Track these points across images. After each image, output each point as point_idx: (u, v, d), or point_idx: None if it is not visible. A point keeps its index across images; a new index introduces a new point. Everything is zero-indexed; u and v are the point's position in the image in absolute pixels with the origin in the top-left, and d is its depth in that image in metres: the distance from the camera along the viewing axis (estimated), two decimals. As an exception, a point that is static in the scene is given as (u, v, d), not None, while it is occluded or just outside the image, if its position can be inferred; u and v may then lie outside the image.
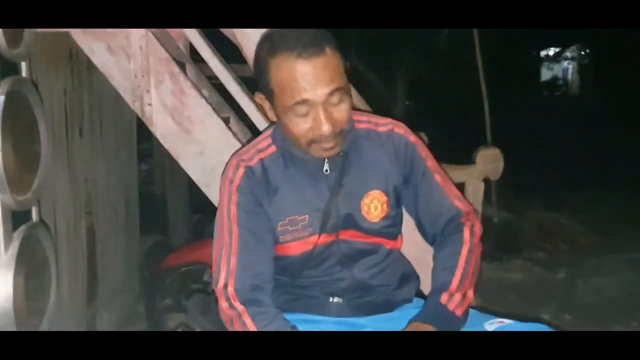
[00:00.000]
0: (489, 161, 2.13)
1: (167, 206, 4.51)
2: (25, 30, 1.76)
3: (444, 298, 1.37)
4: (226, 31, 2.41)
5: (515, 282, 4.59)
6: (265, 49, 1.34)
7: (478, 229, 1.50)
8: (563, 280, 4.61)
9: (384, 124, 1.51)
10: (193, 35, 2.02)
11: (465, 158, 2.45)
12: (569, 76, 19.24)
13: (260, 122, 2.04)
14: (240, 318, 1.32)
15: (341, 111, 1.32)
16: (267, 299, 1.37)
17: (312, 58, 1.27)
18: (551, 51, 17.49)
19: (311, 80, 1.27)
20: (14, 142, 1.56)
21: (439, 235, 1.50)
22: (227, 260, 1.37)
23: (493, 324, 1.40)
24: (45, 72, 2.37)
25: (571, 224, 6.01)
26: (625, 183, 7.37)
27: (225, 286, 1.36)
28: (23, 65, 1.82)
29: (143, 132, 3.48)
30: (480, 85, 5.53)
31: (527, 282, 4.58)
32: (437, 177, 1.50)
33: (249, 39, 1.97)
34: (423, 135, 3.26)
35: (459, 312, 1.38)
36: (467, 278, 1.41)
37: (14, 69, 1.79)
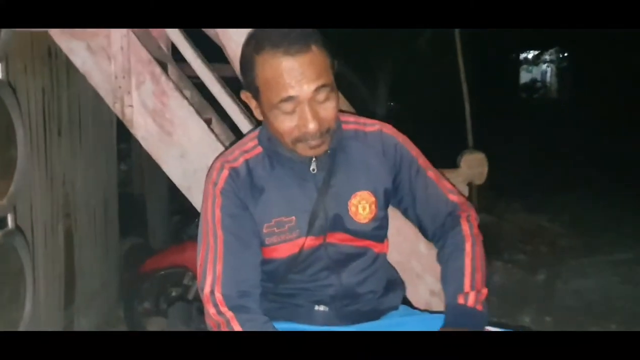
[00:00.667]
0: (474, 165, 2.13)
1: (146, 208, 4.44)
2: (2, 29, 1.71)
3: (461, 299, 1.38)
4: (209, 31, 2.37)
5: (496, 285, 4.60)
6: (252, 46, 1.31)
7: (474, 218, 1.51)
8: (543, 282, 4.65)
9: (372, 125, 1.49)
10: (175, 35, 1.98)
11: (446, 159, 2.43)
12: (549, 78, 19.44)
13: (242, 124, 2.02)
14: (229, 324, 1.29)
15: (328, 109, 1.30)
16: (255, 306, 1.34)
17: (298, 54, 1.25)
18: (530, 54, 17.66)
19: (297, 76, 1.25)
20: None
21: (439, 230, 1.50)
22: (212, 266, 1.34)
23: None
24: (22, 71, 2.32)
25: (552, 226, 6.06)
26: (605, 185, 7.47)
27: (212, 292, 1.32)
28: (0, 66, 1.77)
29: (122, 133, 3.42)
30: (462, 86, 5.55)
31: (508, 285, 4.61)
32: (431, 174, 1.50)
33: (231, 39, 1.94)
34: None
35: (479, 307, 1.38)
36: (477, 273, 1.41)
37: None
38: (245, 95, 1.39)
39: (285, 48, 1.25)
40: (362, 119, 1.52)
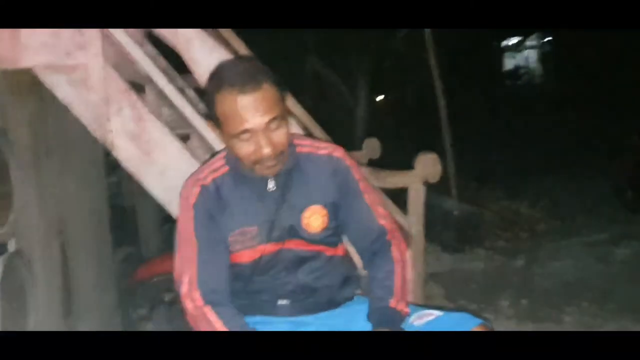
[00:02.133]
0: (428, 165, 2.32)
1: (137, 218, 4.59)
2: None
3: (392, 303, 1.57)
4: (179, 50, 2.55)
5: (477, 271, 4.80)
6: (212, 84, 1.53)
7: (404, 247, 1.71)
8: (522, 266, 4.84)
9: (325, 148, 1.70)
10: (148, 65, 2.16)
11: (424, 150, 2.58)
12: (529, 65, 19.55)
13: (215, 141, 2.20)
14: (205, 316, 1.50)
15: (280, 135, 1.50)
16: (226, 300, 1.56)
17: (251, 92, 1.44)
18: (512, 40, 17.76)
19: (251, 111, 1.45)
20: None
21: (367, 251, 1.69)
22: (188, 268, 1.55)
23: (422, 317, 1.58)
24: (11, 103, 2.48)
25: (531, 212, 6.24)
26: (583, 169, 7.66)
27: (189, 290, 1.53)
28: None
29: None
30: (435, 82, 5.74)
31: (488, 271, 4.80)
32: (367, 198, 1.69)
33: (200, 64, 2.13)
34: (375, 140, 3.46)
35: (404, 312, 1.59)
36: (405, 294, 1.62)
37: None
38: (209, 124, 1.62)
39: (240, 87, 1.45)
40: (317, 143, 1.73)
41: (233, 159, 1.60)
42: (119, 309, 3.54)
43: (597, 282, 4.28)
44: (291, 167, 1.61)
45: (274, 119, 1.47)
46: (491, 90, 12.62)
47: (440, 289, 4.36)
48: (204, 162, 1.77)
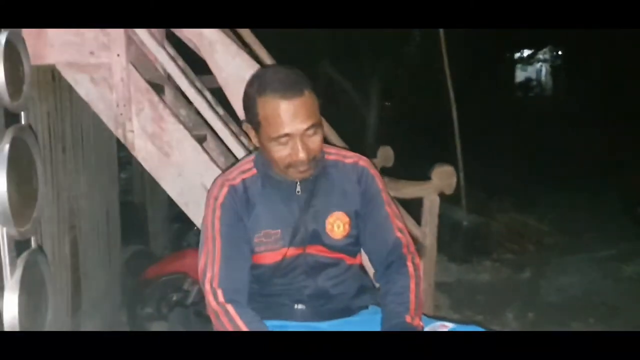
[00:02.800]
0: (444, 177, 2.33)
1: (147, 216, 4.62)
2: (25, 84, 1.92)
3: (408, 318, 1.57)
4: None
5: (484, 283, 4.80)
6: (254, 87, 1.56)
7: (418, 262, 1.71)
8: (528, 280, 4.83)
9: (351, 157, 1.74)
10: (170, 66, 2.18)
11: (438, 161, 2.59)
12: (542, 78, 19.55)
13: (231, 144, 2.22)
14: (227, 313, 1.52)
15: (315, 142, 1.55)
16: (245, 301, 1.59)
17: (293, 98, 1.49)
18: (524, 53, 17.76)
19: (292, 117, 1.50)
20: (16, 182, 1.74)
21: (382, 263, 1.70)
22: (212, 266, 1.58)
23: (435, 328, 1.59)
24: (31, 100, 2.50)
25: (539, 225, 6.22)
26: (593, 184, 7.63)
27: (212, 286, 1.56)
28: (22, 113, 1.98)
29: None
30: (449, 92, 5.75)
31: (495, 283, 4.80)
32: (387, 209, 1.71)
33: (222, 70, 2.16)
34: (389, 149, 3.47)
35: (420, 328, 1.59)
36: (419, 308, 1.62)
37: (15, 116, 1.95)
38: (246, 127, 1.64)
39: (282, 93, 1.50)
40: (343, 152, 1.77)
41: (262, 163, 1.65)
42: (126, 306, 3.56)
43: (604, 299, 4.27)
44: (318, 174, 1.65)
45: (312, 125, 1.52)
46: (502, 102, 12.61)
47: (446, 299, 4.36)
48: (231, 165, 1.80)
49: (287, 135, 1.51)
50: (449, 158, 5.49)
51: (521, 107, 14.28)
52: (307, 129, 1.51)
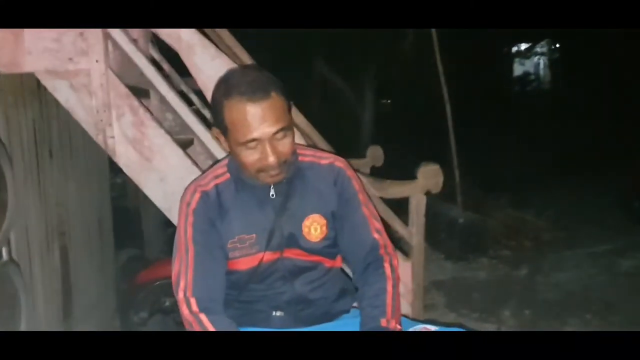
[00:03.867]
0: (430, 176, 2.31)
1: (142, 220, 4.61)
2: None
3: (383, 322, 1.54)
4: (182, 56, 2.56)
5: (480, 280, 4.78)
6: (221, 91, 1.52)
7: (396, 263, 1.68)
8: (525, 276, 4.81)
9: (326, 158, 1.70)
10: (150, 71, 2.16)
11: (429, 159, 2.57)
12: (539, 72, 19.50)
13: (214, 147, 2.20)
14: (201, 323, 1.48)
15: (285, 145, 1.50)
16: (220, 309, 1.55)
17: (260, 101, 1.45)
18: (522, 47, 17.71)
19: (259, 120, 1.45)
20: None
21: (360, 264, 1.67)
22: (185, 274, 1.54)
23: (417, 330, 1.56)
24: (14, 105, 2.49)
25: (536, 222, 6.20)
26: (589, 179, 7.62)
27: (185, 295, 1.52)
28: None
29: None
30: (442, 88, 5.73)
31: (491, 280, 4.77)
32: (364, 210, 1.68)
33: (201, 71, 2.14)
34: (378, 148, 3.45)
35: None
36: (397, 311, 1.59)
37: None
38: (215, 132, 1.60)
39: (249, 96, 1.45)
40: (319, 153, 1.74)
41: (235, 166, 1.61)
42: (119, 312, 3.55)
43: (601, 294, 4.26)
44: (293, 176, 1.61)
45: (281, 129, 1.48)
46: (498, 97, 12.58)
47: (442, 297, 4.35)
48: (207, 169, 1.77)
49: (255, 139, 1.47)
50: (443, 156, 5.50)
51: (518, 102, 14.25)
52: (276, 132, 1.47)
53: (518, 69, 18.36)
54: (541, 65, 19.18)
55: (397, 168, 2.98)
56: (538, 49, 17.71)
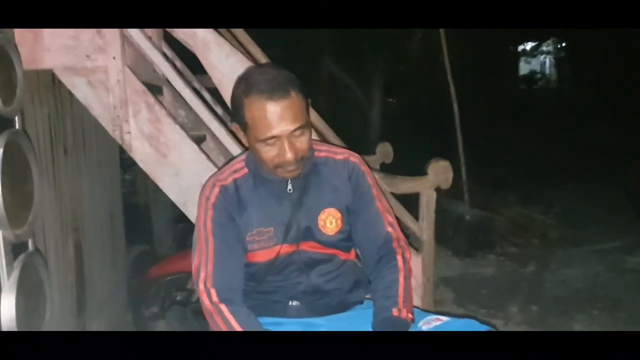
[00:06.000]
0: (440, 172, 2.34)
1: (152, 216, 4.65)
2: (18, 89, 1.94)
3: (395, 312, 1.58)
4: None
5: (488, 277, 4.81)
6: (241, 88, 1.56)
7: (409, 256, 1.73)
8: (532, 273, 4.83)
9: (341, 153, 1.75)
10: (166, 68, 2.20)
11: (438, 155, 2.60)
12: (546, 70, 19.50)
13: (228, 143, 2.23)
14: (221, 313, 1.53)
15: (302, 142, 1.55)
16: (240, 300, 1.60)
17: (280, 99, 1.49)
18: (528, 45, 17.70)
19: (279, 118, 1.49)
20: (11, 185, 1.77)
21: (373, 257, 1.71)
22: (205, 266, 1.59)
23: (430, 322, 1.60)
24: (30, 101, 2.53)
25: (543, 219, 6.22)
26: (597, 176, 7.62)
27: (206, 286, 1.57)
28: (16, 118, 2.01)
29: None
30: (450, 86, 5.76)
31: (499, 276, 4.80)
32: (378, 204, 1.73)
33: (216, 69, 2.18)
34: (388, 145, 3.48)
35: (409, 319, 1.59)
36: (408, 302, 1.63)
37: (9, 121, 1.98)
38: (234, 127, 1.64)
39: (269, 94, 1.49)
40: (334, 148, 1.78)
41: (253, 162, 1.66)
42: (131, 307, 3.59)
43: (608, 291, 4.27)
44: (309, 171, 1.66)
45: (299, 127, 1.52)
46: (506, 95, 12.58)
47: (450, 293, 4.37)
48: (224, 165, 1.81)
49: (274, 137, 1.51)
50: (451, 153, 5.53)
51: (525, 100, 14.24)
52: (294, 130, 1.51)
53: (525, 67, 18.36)
54: (548, 64, 19.17)
55: (406, 165, 3.01)
56: (545, 48, 17.71)
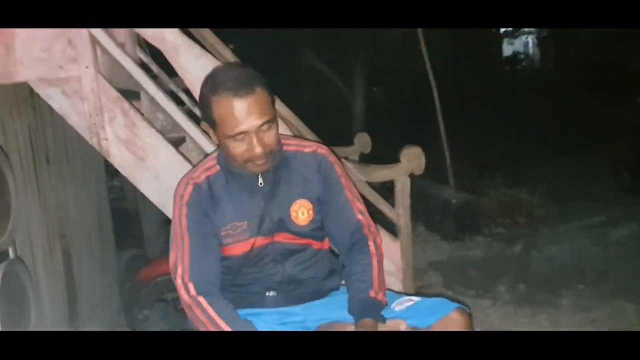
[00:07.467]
0: (413, 158, 2.39)
1: (142, 220, 4.68)
2: None
3: (372, 294, 1.65)
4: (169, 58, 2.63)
5: (476, 259, 4.88)
6: (208, 88, 1.62)
7: (380, 241, 1.79)
8: (520, 252, 4.90)
9: (310, 146, 1.80)
10: (138, 73, 2.24)
11: (420, 142, 2.64)
12: (529, 51, 19.55)
13: (204, 143, 2.28)
14: (200, 305, 1.60)
15: (270, 137, 1.61)
16: (217, 292, 1.66)
17: (246, 96, 1.55)
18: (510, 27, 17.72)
19: (246, 114, 1.55)
20: None
21: (346, 245, 1.78)
22: (182, 261, 1.65)
23: (402, 303, 1.67)
24: (9, 114, 2.58)
25: (530, 199, 6.30)
26: (581, 153, 7.71)
27: (183, 280, 1.63)
28: None
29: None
30: (429, 71, 5.79)
31: (487, 258, 4.87)
32: (348, 193, 1.78)
33: (186, 71, 2.22)
34: (366, 135, 3.53)
35: (385, 302, 1.67)
36: (382, 285, 1.70)
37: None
38: (204, 126, 1.70)
39: (235, 91, 1.55)
40: (302, 142, 1.84)
41: (224, 159, 1.71)
42: (124, 310, 3.64)
43: (593, 265, 4.36)
44: (279, 165, 1.71)
45: (266, 122, 1.57)
46: (489, 77, 12.63)
47: (439, 277, 4.43)
48: (197, 164, 1.86)
49: (242, 133, 1.57)
50: (436, 139, 5.58)
51: (509, 81, 14.29)
52: (262, 125, 1.57)
53: (508, 49, 18.39)
54: (530, 44, 19.20)
55: (387, 154, 3.06)
56: (526, 28, 17.74)
